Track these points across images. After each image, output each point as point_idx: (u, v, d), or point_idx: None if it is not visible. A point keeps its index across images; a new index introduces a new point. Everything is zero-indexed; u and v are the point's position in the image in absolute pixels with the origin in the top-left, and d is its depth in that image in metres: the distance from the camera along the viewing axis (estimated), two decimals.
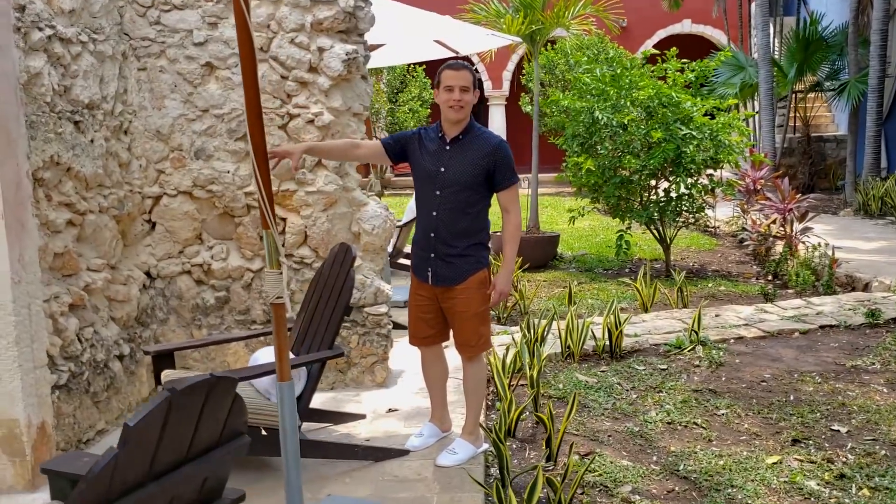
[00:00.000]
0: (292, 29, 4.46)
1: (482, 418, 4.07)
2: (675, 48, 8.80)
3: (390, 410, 4.35)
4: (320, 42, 4.47)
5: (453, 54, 7.64)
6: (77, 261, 4.01)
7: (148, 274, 4.67)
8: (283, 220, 4.63)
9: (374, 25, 4.73)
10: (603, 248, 10.50)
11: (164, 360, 3.82)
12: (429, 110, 20.51)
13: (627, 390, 4.82)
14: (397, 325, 6.07)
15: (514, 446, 4.11)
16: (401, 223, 8.22)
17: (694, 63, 8.63)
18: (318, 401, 4.47)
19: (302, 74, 4.49)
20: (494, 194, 3.62)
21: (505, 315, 6.84)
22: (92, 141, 4.12)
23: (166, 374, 3.73)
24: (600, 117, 8.03)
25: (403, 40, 7.32)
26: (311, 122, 4.51)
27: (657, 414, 4.39)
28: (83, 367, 4.00)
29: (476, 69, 3.52)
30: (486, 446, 3.74)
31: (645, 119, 8.03)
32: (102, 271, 4.22)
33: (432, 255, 3.61)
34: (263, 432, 3.47)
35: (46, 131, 3.74)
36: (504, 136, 20.56)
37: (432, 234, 3.59)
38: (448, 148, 3.57)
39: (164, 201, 4.61)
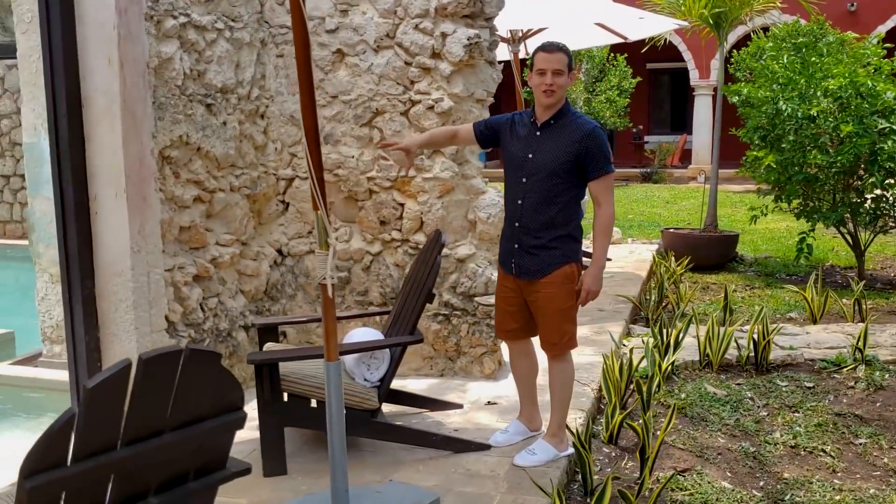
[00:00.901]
0: (417, 15, 4.48)
1: (580, 421, 3.88)
2: (881, 32, 7.83)
3: (489, 403, 4.26)
4: (444, 27, 4.45)
5: (620, 39, 7.31)
6: (204, 235, 4.30)
7: (280, 251, 4.91)
8: (401, 205, 4.67)
9: (502, 8, 4.62)
10: (792, 251, 9.63)
11: (268, 332, 4.00)
12: (628, 100, 19.86)
13: (758, 407, 4.38)
14: None
15: (614, 454, 3.88)
16: None
17: None
18: (423, 386, 4.49)
19: (424, 60, 4.49)
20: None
21: (655, 316, 6.48)
22: (224, 123, 4.39)
23: (268, 346, 3.91)
24: (784, 108, 7.33)
25: (565, 24, 7.11)
26: (430, 108, 4.51)
27: (781, 435, 3.95)
28: (205, 334, 4.29)
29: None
30: (570, 451, 3.56)
31: (836, 111, 7.23)
32: (231, 246, 4.50)
33: (516, 245, 3.47)
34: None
35: (176, 113, 4.03)
36: (711, 126, 19.56)
37: (517, 224, 3.46)
38: (538, 133, 3.42)
39: (296, 183, 4.82)
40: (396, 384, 4.46)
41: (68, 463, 1.76)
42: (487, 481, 3.33)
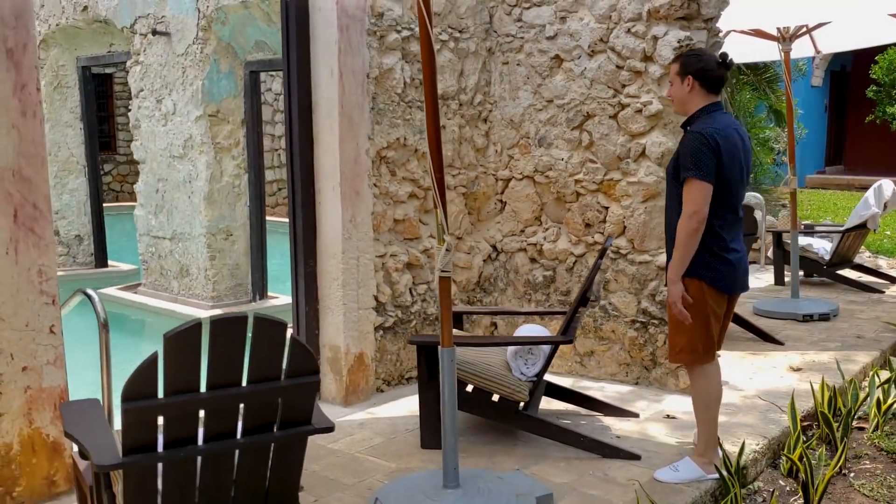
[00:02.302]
0: (630, 18, 4.46)
1: (756, 447, 3.63)
2: None
3: (667, 417, 4.15)
4: (655, 30, 4.38)
5: None
6: (417, 228, 4.75)
7: (494, 247, 5.22)
8: (606, 208, 4.69)
9: (724, 9, 4.41)
10: None
11: (454, 319, 4.32)
12: None
13: None
14: (768, 338, 5.58)
15: (789, 489, 3.58)
16: (843, 228, 7.29)
17: None
18: (616, 393, 4.50)
19: (635, 64, 4.46)
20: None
21: None
22: (443, 127, 4.80)
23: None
24: None
25: (852, 17, 6.40)
26: (639, 111, 4.47)
27: None
28: (412, 315, 4.75)
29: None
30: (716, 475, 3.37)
31: None
32: None
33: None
34: (495, 398, 3.75)
35: (394, 118, 4.52)
36: None
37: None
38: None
39: (512, 184, 5.08)
40: (581, 385, 4.56)
41: (159, 395, 2.25)
42: (616, 489, 3.31)
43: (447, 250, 2.94)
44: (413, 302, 4.77)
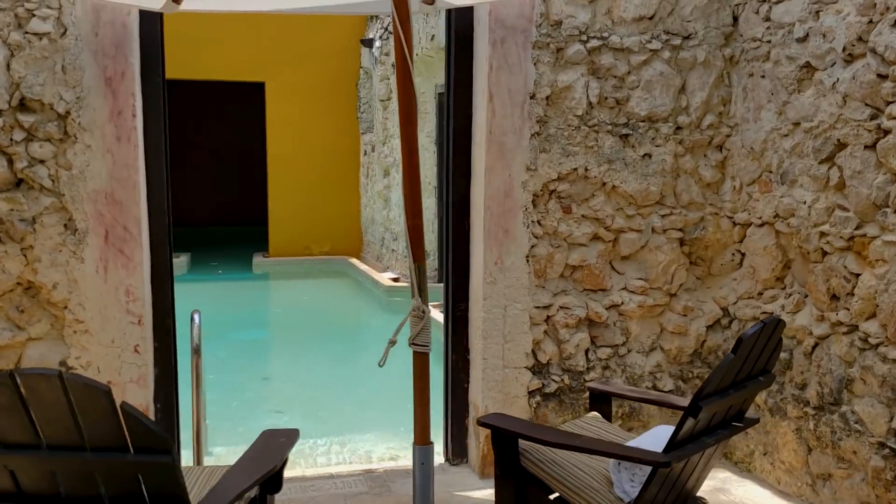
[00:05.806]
0: None
1: None
2: None
3: None
4: None
5: None
6: (603, 277, 3.90)
7: (726, 311, 4.05)
8: (856, 275, 3.27)
9: None
10: None
11: (600, 400, 3.42)
12: None
13: None
14: None
15: None
16: None
17: None
18: None
19: None
20: None
21: None
22: (647, 156, 3.86)
23: (590, 415, 3.36)
24: None
25: None
26: None
27: None
28: (586, 384, 3.91)
29: None
30: None
31: None
32: (644, 294, 3.95)
33: None
34: None
35: (570, 144, 3.77)
36: None
37: None
38: None
39: (750, 231, 3.88)
40: None
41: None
42: None
43: (417, 318, 2.27)
44: (590, 367, 3.93)
